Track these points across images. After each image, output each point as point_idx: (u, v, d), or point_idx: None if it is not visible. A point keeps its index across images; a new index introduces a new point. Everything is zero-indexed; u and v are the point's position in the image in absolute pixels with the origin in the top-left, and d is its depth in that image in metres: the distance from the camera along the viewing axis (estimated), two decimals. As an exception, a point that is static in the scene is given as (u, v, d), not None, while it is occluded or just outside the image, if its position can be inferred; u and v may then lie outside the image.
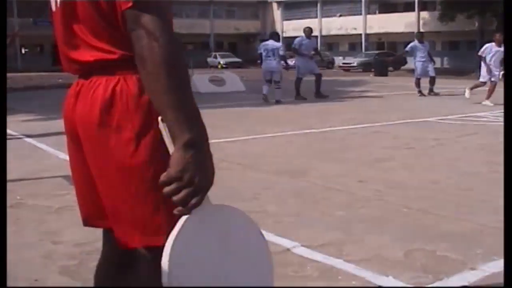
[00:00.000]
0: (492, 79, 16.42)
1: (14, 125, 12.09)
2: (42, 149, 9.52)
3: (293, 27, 66.02)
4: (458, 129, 11.53)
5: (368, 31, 60.99)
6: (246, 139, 10.30)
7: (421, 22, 54.24)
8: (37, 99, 20.58)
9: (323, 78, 19.49)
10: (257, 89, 17.37)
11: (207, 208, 1.82)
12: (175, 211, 1.78)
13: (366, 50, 57.30)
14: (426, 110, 14.99)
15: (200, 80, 21.89)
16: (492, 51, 16.37)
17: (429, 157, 8.62)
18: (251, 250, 1.96)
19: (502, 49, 16.19)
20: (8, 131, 10.33)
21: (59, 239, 4.86)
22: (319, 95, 18.93)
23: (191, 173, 1.75)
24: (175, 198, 1.75)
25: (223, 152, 8.35)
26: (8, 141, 9.15)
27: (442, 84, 22.08)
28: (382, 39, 60.10)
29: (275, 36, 18.82)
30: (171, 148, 1.80)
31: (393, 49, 52.85)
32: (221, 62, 55.91)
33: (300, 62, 19.05)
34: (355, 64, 48.42)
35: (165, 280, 1.76)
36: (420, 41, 20.13)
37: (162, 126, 1.82)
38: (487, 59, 16.45)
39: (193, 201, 1.76)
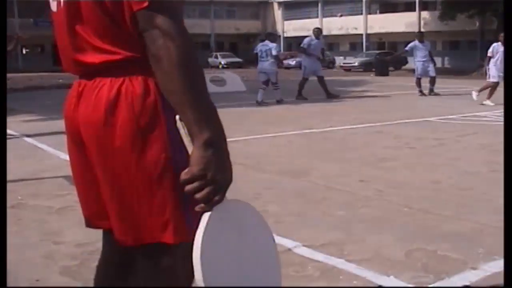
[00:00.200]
0: (494, 80, 16.36)
1: (15, 125, 12.10)
2: (42, 149, 9.52)
3: (293, 27, 66.13)
4: (459, 129, 11.53)
5: (369, 31, 60.98)
6: (247, 139, 10.29)
7: (421, 22, 54.19)
8: (38, 99, 20.59)
9: (324, 78, 19.43)
10: (258, 90, 17.31)
11: (225, 204, 1.86)
12: (197, 208, 1.82)
13: (367, 50, 57.27)
14: (427, 110, 14.99)
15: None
16: (498, 50, 16.35)
17: (430, 157, 8.62)
18: (262, 244, 2.01)
19: None
20: (9, 131, 10.34)
21: (60, 240, 4.86)
22: (330, 96, 18.89)
23: (213, 171, 1.79)
24: (198, 195, 1.79)
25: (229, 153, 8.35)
26: (8, 141, 9.16)
27: (442, 84, 22.08)
28: (383, 39, 60.10)
29: (270, 36, 18.72)
30: (190, 147, 1.84)
31: (394, 49, 52.81)
32: (222, 62, 55.92)
33: (307, 62, 18.99)
34: (356, 64, 48.41)
35: (198, 277, 1.78)
36: (421, 41, 20.11)
37: (180, 125, 1.86)
38: (495, 58, 16.43)
39: (216, 198, 1.81)
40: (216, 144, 1.81)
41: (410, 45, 20.52)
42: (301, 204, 5.98)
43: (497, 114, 13.78)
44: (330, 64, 50.26)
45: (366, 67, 45.42)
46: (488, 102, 16.09)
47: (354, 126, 12.05)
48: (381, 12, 61.81)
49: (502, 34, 16.32)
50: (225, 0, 69.45)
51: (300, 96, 18.49)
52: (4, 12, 1.77)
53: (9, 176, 6.14)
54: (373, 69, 41.07)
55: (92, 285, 2.45)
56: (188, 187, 1.80)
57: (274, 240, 2.07)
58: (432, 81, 20.08)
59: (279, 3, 70.34)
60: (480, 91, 17.21)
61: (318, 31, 19.31)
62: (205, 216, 1.81)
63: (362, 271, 4.10)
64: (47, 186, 6.78)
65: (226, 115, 10.71)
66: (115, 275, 2.34)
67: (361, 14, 61.52)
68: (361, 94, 21.28)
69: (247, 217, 1.98)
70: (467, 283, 3.89)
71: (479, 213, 5.53)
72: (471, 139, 10.18)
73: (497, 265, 4.17)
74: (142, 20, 1.82)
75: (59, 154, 8.61)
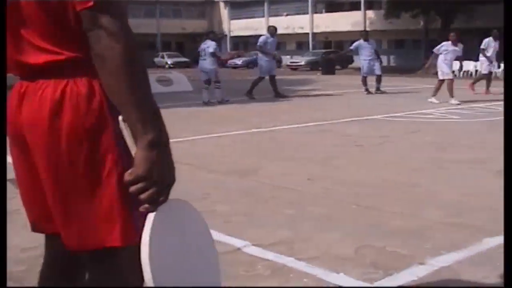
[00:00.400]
0: (449, 77, 16.52)
1: None
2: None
3: (240, 27, 66.20)
4: (405, 126, 11.66)
5: (315, 30, 61.33)
6: (194, 139, 10.24)
7: (367, 21, 54.71)
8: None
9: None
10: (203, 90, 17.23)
11: (168, 204, 1.86)
12: (141, 209, 1.80)
13: (313, 49, 57.58)
14: (373, 108, 15.12)
15: (147, 80, 21.66)
16: (448, 49, 16.53)
17: (377, 155, 8.70)
18: (202, 242, 2.01)
19: (457, 48, 16.53)
20: None
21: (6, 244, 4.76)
22: (278, 95, 18.85)
23: (157, 171, 1.79)
24: (143, 196, 1.79)
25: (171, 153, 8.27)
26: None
27: (388, 82, 22.32)
28: (329, 38, 60.49)
29: (210, 34, 18.55)
30: (133, 148, 1.82)
31: (340, 48, 53.13)
32: (168, 62, 55.57)
33: (264, 61, 18.92)
34: (302, 63, 48.61)
35: (148, 278, 1.76)
36: (366, 40, 20.33)
37: (124, 126, 1.83)
38: (442, 57, 16.61)
39: (161, 198, 1.82)
40: (160, 145, 1.81)
41: (355, 44, 20.72)
42: (250, 203, 5.97)
43: (442, 112, 14.00)
44: (277, 63, 50.34)
45: (312, 66, 45.64)
46: (433, 99, 16.29)
47: (301, 125, 12.08)
48: (327, 12, 62.20)
49: (451, 34, 16.67)
50: (171, 0, 69.16)
51: (251, 95, 18.43)
52: (4, 13, 1.74)
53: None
54: (320, 68, 41.24)
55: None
56: (133, 188, 1.79)
57: (212, 238, 2.07)
58: (379, 80, 20.29)
59: (225, 2, 70.33)
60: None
61: (273, 29, 19.18)
62: (150, 217, 1.81)
63: (312, 269, 4.10)
64: (-9, 189, 6.64)
65: (173, 115, 10.64)
66: (60, 280, 2.29)
67: (307, 13, 61.84)
68: (308, 93, 21.37)
69: (188, 216, 1.99)
70: (415, 278, 3.93)
71: (426, 209, 5.59)
72: (417, 137, 10.31)
73: (445, 260, 4.23)
74: (86, 20, 1.79)
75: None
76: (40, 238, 2.34)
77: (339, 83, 26.55)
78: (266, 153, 8.91)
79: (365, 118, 13.18)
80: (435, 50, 16.98)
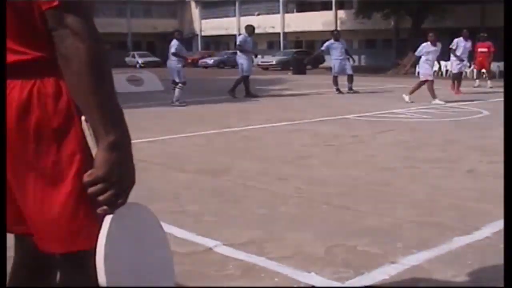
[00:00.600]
0: (430, 78, 16.57)
1: None
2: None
3: (211, 26, 66.11)
4: (376, 126, 11.72)
5: (286, 30, 61.39)
6: (164, 139, 10.20)
7: (338, 21, 54.89)
8: None
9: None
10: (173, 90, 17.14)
11: (125, 206, 1.85)
12: (99, 211, 1.80)
13: (284, 48, 57.69)
14: (344, 108, 15.18)
15: (117, 80, 21.46)
16: (429, 50, 16.57)
17: (348, 154, 8.73)
18: (156, 245, 2.00)
19: (437, 48, 16.59)
20: None
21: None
22: (250, 95, 18.84)
23: (117, 173, 1.78)
24: (101, 198, 1.78)
25: (142, 152, 8.23)
26: None
27: (359, 82, 22.39)
28: (300, 38, 60.58)
29: (175, 33, 18.29)
30: (94, 149, 1.81)
31: (311, 48, 53.34)
32: (139, 62, 55.38)
33: (244, 60, 18.90)
34: (273, 63, 48.67)
35: (102, 280, 1.76)
36: (336, 40, 20.38)
37: (85, 127, 1.83)
38: (423, 58, 16.67)
39: (120, 200, 1.81)
40: (121, 147, 1.80)
41: (326, 44, 20.77)
42: (221, 203, 5.96)
43: (412, 112, 14.09)
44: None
45: (283, 66, 45.68)
46: (406, 97, 16.31)
47: (272, 125, 12.08)
48: (298, 11, 62.31)
49: (430, 34, 16.73)
50: (141, -1, 68.96)
51: (233, 93, 18.42)
52: (4, 13, 1.72)
53: None
54: (291, 68, 41.29)
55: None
56: (91, 189, 1.79)
57: (168, 243, 2.06)
58: (350, 79, 20.30)
59: (196, 2, 70.15)
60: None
61: (251, 29, 19.22)
62: (107, 219, 1.80)
63: (283, 269, 4.09)
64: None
65: (144, 115, 10.63)
66: (30, 281, 2.27)
67: (278, 13, 61.91)
68: (279, 92, 21.40)
69: (144, 220, 1.97)
70: (387, 277, 3.94)
71: (397, 208, 5.62)
72: (387, 136, 10.36)
73: (416, 259, 4.25)
74: (52, 19, 1.78)
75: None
76: (11, 239, 2.31)
77: (310, 83, 26.61)
78: (237, 152, 8.90)
79: (336, 117, 13.21)
80: (416, 53, 17.05)
